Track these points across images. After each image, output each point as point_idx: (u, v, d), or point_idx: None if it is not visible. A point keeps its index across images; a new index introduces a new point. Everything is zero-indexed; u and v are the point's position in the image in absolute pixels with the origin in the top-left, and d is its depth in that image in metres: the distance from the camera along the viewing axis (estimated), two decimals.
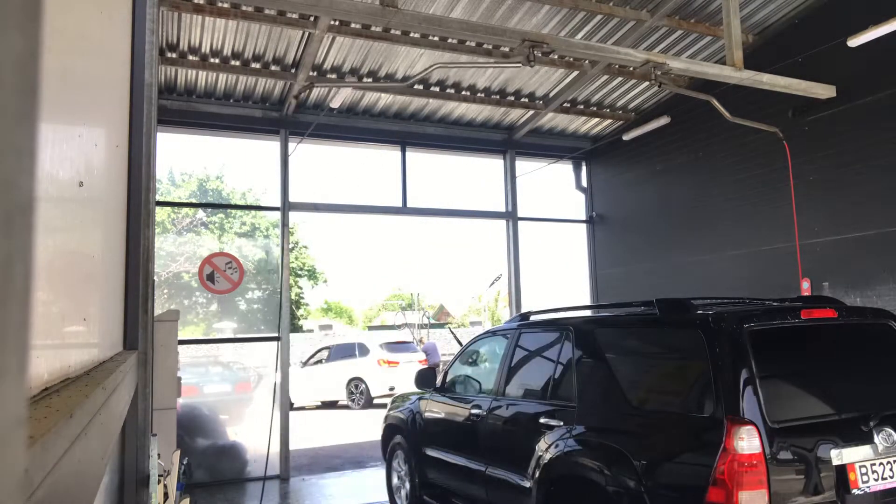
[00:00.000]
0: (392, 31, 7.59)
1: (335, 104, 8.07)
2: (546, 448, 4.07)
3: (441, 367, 11.93)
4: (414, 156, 9.93)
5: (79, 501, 0.82)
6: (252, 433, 8.29)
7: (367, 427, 11.82)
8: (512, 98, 9.50)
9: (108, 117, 1.69)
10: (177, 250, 9.81)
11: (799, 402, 3.26)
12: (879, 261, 6.95)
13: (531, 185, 10.73)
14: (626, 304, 4.55)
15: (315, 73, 8.19)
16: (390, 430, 6.49)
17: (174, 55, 7.60)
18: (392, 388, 15.64)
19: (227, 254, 8.39)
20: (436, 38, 7.86)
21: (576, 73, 8.89)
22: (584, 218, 11.29)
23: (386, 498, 6.55)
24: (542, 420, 4.19)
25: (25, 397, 0.34)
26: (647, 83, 8.45)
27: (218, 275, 8.10)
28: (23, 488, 0.42)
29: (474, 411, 5.04)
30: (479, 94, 9.30)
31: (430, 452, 5.65)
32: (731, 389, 3.16)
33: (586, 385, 4.05)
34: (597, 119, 10.34)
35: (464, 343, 6.27)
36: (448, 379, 5.82)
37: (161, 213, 9.73)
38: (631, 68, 8.27)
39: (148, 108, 2.55)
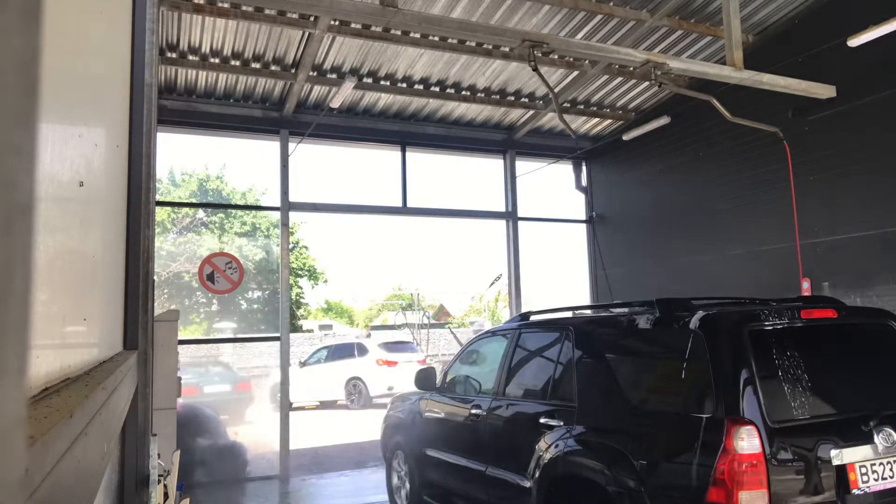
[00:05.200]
0: (392, 32, 7.59)
1: (335, 104, 8.07)
2: (546, 448, 4.07)
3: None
4: (414, 156, 9.93)
5: (79, 501, 0.82)
6: (252, 433, 8.29)
7: (367, 427, 11.82)
8: (512, 98, 9.50)
9: (108, 117, 1.69)
10: (177, 250, 9.81)
11: (799, 402, 3.26)
12: (879, 261, 6.95)
13: (531, 185, 10.74)
14: (626, 304, 4.55)
15: (315, 73, 8.19)
16: (390, 430, 6.49)
17: (174, 55, 7.60)
18: (391, 388, 15.64)
19: (227, 254, 8.40)
20: (436, 38, 7.86)
21: (576, 73, 8.89)
22: (584, 218, 11.29)
23: (386, 498, 6.55)
24: (542, 420, 4.19)
25: (25, 397, 0.34)
26: (647, 83, 8.46)
27: (218, 275, 8.10)
28: (23, 488, 0.42)
29: (474, 411, 5.04)
30: (479, 94, 9.30)
31: (431, 452, 5.65)
32: (731, 389, 3.16)
33: (586, 385, 4.05)
34: (597, 119, 10.33)
35: (464, 343, 6.27)
36: (448, 379, 5.82)
37: (161, 213, 9.73)
38: (631, 68, 8.27)
39: (148, 108, 2.55)
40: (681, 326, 3.62)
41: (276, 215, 9.00)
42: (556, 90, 9.35)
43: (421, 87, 8.87)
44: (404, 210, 9.75)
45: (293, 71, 8.05)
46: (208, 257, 8.20)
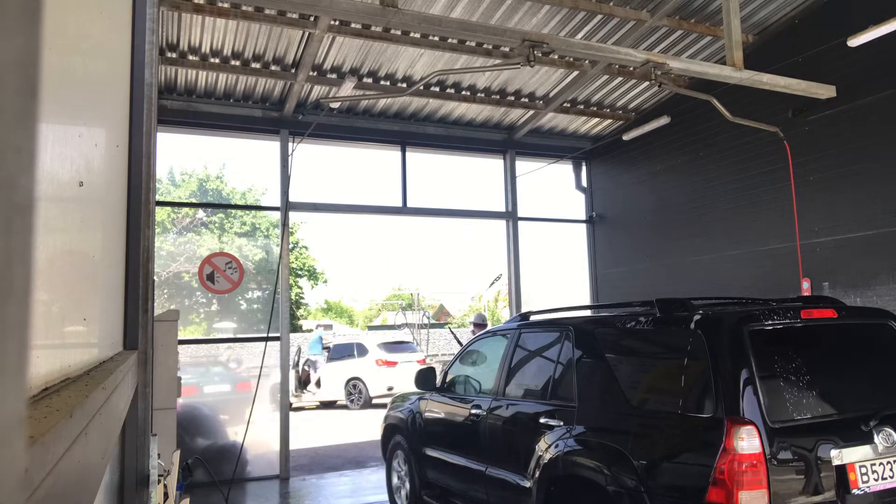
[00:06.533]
0: (392, 31, 7.59)
1: (335, 104, 8.07)
2: (546, 448, 4.07)
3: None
4: (414, 156, 9.93)
5: (79, 501, 0.82)
6: (252, 433, 8.28)
7: (367, 427, 11.83)
8: (512, 98, 9.50)
9: (108, 117, 1.69)
10: (177, 250, 9.81)
11: (799, 402, 3.26)
12: (879, 261, 6.95)
13: (531, 185, 10.74)
14: (626, 304, 4.55)
15: (315, 73, 8.19)
16: (390, 430, 6.49)
17: (174, 55, 7.60)
18: (390, 388, 15.65)
19: (227, 254, 8.39)
20: (436, 38, 7.86)
21: (576, 73, 8.89)
22: (584, 218, 11.29)
23: (386, 498, 6.55)
24: (542, 420, 4.19)
25: (25, 397, 0.34)
26: (647, 83, 8.45)
27: (218, 275, 8.10)
28: (23, 488, 0.42)
29: (474, 411, 5.04)
30: (479, 94, 9.30)
31: (430, 452, 5.65)
32: (731, 389, 3.16)
33: (586, 385, 4.05)
34: (597, 119, 10.33)
35: (464, 343, 6.27)
36: (448, 379, 5.82)
37: (161, 213, 9.73)
38: (631, 68, 8.27)
39: (148, 108, 2.55)
40: (681, 326, 3.62)
41: (276, 215, 9.00)
42: (557, 90, 9.35)
43: (421, 86, 8.86)
44: (404, 210, 9.75)
45: (293, 71, 8.05)
46: (208, 257, 8.20)
